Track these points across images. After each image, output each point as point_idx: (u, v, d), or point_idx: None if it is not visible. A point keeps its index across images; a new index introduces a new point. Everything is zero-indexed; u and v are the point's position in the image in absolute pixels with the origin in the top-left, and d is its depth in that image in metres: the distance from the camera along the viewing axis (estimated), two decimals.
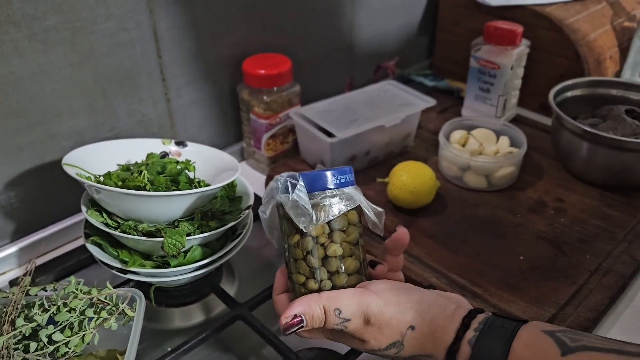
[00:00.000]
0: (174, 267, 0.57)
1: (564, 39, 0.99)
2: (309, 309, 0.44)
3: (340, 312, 0.44)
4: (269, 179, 0.88)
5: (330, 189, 0.46)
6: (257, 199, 0.69)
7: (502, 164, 0.81)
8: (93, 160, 0.64)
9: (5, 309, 0.53)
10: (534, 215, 0.79)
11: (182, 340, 0.58)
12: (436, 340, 0.43)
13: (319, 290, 0.46)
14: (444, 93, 1.12)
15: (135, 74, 0.76)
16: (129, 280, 0.62)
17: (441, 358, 0.43)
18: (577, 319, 0.63)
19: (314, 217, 0.45)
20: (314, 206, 0.45)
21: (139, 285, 0.62)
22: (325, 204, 0.46)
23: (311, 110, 0.87)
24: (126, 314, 0.54)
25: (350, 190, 0.47)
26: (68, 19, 0.67)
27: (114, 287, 0.56)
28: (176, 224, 0.58)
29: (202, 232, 0.57)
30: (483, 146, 0.85)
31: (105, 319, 0.53)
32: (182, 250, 0.56)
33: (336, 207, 0.46)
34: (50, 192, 0.75)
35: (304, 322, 0.44)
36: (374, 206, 0.49)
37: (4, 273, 0.73)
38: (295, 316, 0.44)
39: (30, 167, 0.72)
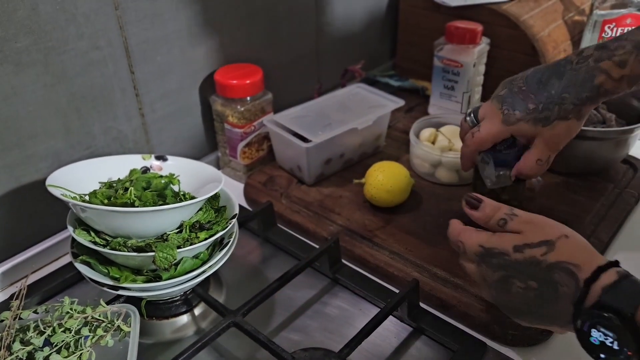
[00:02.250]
0: (166, 280, 0.58)
1: (521, 35, 1.03)
2: (489, 201, 0.57)
3: (512, 210, 0.55)
4: (247, 186, 0.90)
5: (510, 167, 0.69)
6: (241, 208, 0.71)
7: None
8: (75, 180, 0.64)
9: None
10: None
11: (175, 351, 0.58)
12: (590, 255, 0.49)
13: None
14: (410, 92, 1.16)
15: (109, 91, 0.77)
16: (119, 296, 0.62)
17: (587, 272, 0.47)
18: None
19: (491, 182, 0.71)
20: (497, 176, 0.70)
21: (129, 300, 0.63)
22: (502, 173, 0.70)
23: (284, 117, 0.88)
24: (122, 330, 0.55)
25: None
26: (39, 40, 0.67)
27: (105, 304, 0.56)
28: (165, 237, 0.59)
29: (192, 244, 0.58)
30: (452, 142, 0.89)
31: (101, 337, 0.54)
32: (174, 262, 0.57)
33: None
34: (29, 214, 0.74)
35: (483, 203, 0.57)
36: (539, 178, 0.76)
37: None
38: (478, 198, 0.58)
39: (7, 190, 0.71)
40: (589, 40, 1.08)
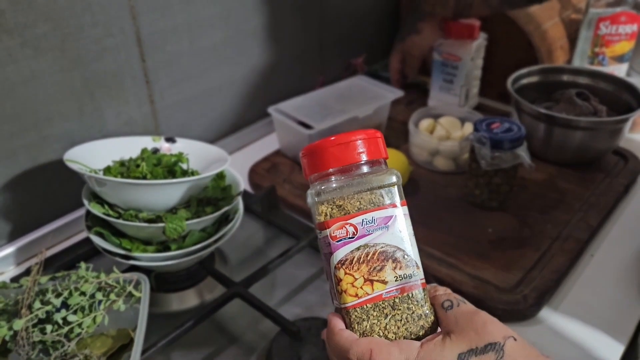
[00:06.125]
0: (175, 250, 0.61)
1: (518, 31, 1.07)
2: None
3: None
4: (251, 172, 0.93)
5: (505, 150, 0.76)
6: (245, 192, 0.74)
7: (468, 147, 0.88)
8: (89, 157, 0.67)
9: (20, 297, 0.56)
10: None
11: (181, 321, 0.62)
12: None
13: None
14: (410, 86, 1.19)
15: (121, 78, 0.81)
16: (131, 267, 0.66)
17: None
18: (542, 280, 0.69)
19: (486, 163, 0.76)
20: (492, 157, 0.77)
21: (140, 271, 0.66)
22: (497, 154, 0.76)
23: (288, 106, 0.92)
24: (133, 295, 0.58)
25: (520, 150, 0.76)
26: (57, 27, 0.71)
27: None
28: (174, 211, 0.62)
29: (199, 217, 0.62)
30: (449, 132, 0.92)
31: (114, 301, 0.57)
32: (182, 234, 0.60)
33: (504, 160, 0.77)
34: (44, 193, 0.78)
35: None
36: (528, 161, 0.76)
37: (2, 273, 0.76)
38: None
39: (24, 169, 0.75)
40: (584, 37, 1.11)
